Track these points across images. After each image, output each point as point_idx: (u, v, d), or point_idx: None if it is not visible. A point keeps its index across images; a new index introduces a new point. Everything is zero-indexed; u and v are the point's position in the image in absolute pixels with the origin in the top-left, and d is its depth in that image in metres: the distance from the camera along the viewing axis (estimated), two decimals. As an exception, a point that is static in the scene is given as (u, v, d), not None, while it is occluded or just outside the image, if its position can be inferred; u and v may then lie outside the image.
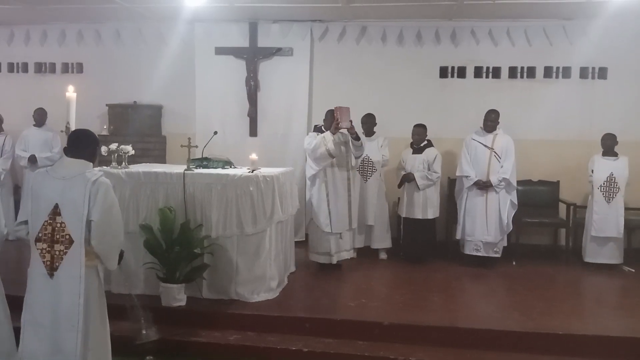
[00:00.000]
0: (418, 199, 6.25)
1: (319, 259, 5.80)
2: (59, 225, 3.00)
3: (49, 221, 3.01)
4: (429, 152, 6.35)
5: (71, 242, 3.00)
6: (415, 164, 6.30)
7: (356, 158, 5.89)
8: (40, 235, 3.02)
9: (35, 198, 3.03)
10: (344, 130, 5.55)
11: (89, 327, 3.07)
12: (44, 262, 3.02)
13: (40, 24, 7.63)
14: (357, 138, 5.65)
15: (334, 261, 5.74)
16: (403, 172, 6.38)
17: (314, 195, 5.74)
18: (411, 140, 6.47)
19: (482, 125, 6.29)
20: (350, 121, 5.44)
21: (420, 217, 6.26)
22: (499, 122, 6.25)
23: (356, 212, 6.01)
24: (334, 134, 5.51)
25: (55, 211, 3.00)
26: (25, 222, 3.11)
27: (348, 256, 5.92)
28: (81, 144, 3.16)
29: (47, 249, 3.01)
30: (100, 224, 3.03)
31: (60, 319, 3.02)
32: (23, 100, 7.59)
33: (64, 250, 2.99)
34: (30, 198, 3.04)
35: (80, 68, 7.78)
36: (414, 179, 6.23)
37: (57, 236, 3.00)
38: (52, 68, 7.84)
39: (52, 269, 3.01)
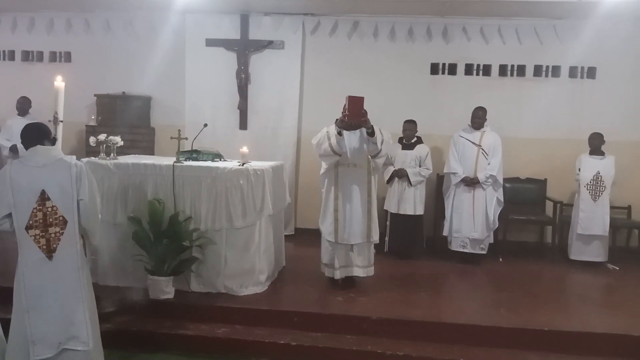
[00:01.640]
0: (408, 195, 6.28)
1: (324, 270, 5.13)
2: (50, 209, 3.14)
3: (38, 208, 3.13)
4: (421, 149, 6.40)
5: (65, 222, 3.18)
6: (407, 160, 6.33)
7: (372, 157, 4.97)
8: (30, 222, 3.11)
9: (17, 189, 3.11)
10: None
11: (87, 297, 3.31)
12: (39, 247, 3.14)
13: (28, 11, 7.50)
14: (372, 133, 4.77)
15: (337, 276, 5.02)
16: (392, 168, 6.39)
17: (323, 197, 5.07)
18: (400, 136, 6.49)
19: (470, 123, 6.33)
20: (364, 112, 4.68)
21: (411, 212, 6.28)
22: (486, 119, 6.30)
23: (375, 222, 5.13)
24: (340, 127, 4.74)
25: (44, 197, 3.13)
26: (8, 216, 3.14)
27: (363, 274, 5.07)
28: (45, 134, 3.30)
29: (41, 234, 3.12)
30: (88, 202, 3.25)
31: (67, 294, 3.20)
32: (9, 89, 7.46)
33: (60, 232, 3.17)
34: (11, 190, 3.11)
35: (68, 57, 7.68)
36: (405, 175, 6.26)
37: (50, 220, 3.14)
38: (40, 57, 7.73)
39: (49, 252, 3.15)
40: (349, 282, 5.11)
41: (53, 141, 3.36)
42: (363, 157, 4.95)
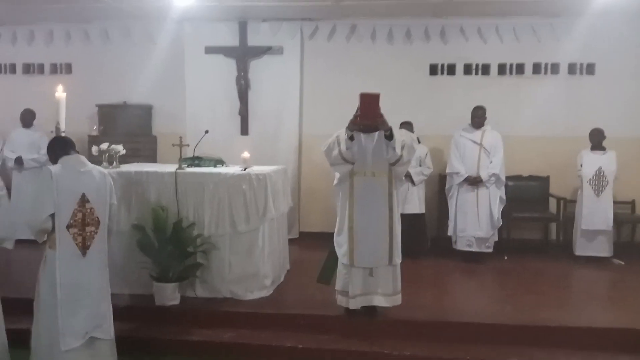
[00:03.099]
0: (412, 194, 6.34)
1: (337, 298, 4.38)
2: (89, 210, 3.48)
3: (78, 208, 3.44)
4: (420, 149, 6.42)
5: (99, 222, 3.54)
6: (407, 160, 6.37)
7: (391, 165, 4.19)
8: (71, 222, 3.41)
9: (61, 191, 3.37)
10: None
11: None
12: (76, 244, 3.44)
13: (27, 24, 7.57)
14: (390, 136, 4.05)
15: (353, 306, 4.26)
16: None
17: (338, 212, 4.36)
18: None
19: (470, 122, 6.35)
20: (380, 112, 4.00)
21: (416, 211, 6.35)
22: (486, 118, 6.32)
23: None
24: (351, 130, 4.04)
25: (84, 199, 3.46)
26: (51, 215, 3.36)
27: (387, 303, 4.29)
28: (71, 145, 3.61)
29: (79, 232, 3.45)
30: (114, 206, 3.71)
31: (96, 288, 3.52)
32: (11, 101, 7.49)
33: (95, 231, 3.52)
34: (56, 192, 3.35)
35: (69, 68, 7.73)
36: (408, 175, 6.28)
37: (88, 220, 3.49)
38: (41, 69, 7.78)
39: (84, 248, 3.47)
40: (371, 312, 4.39)
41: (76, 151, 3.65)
42: (382, 165, 4.19)
